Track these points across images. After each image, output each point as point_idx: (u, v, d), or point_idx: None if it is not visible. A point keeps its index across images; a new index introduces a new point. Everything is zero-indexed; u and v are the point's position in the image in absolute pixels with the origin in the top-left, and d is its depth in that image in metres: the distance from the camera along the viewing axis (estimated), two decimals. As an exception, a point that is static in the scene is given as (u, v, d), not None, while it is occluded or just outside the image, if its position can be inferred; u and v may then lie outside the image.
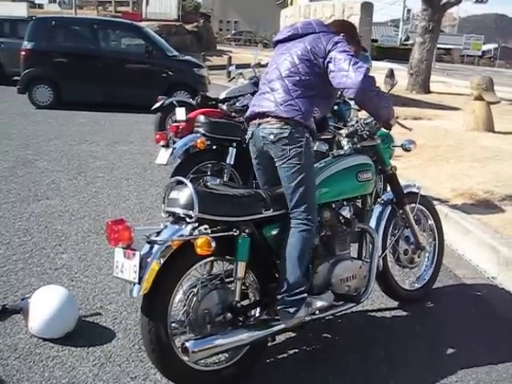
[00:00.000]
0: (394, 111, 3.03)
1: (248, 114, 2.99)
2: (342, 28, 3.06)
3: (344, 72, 2.72)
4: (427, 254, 3.75)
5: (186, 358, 2.49)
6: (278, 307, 2.74)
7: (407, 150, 3.64)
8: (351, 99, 2.87)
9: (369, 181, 3.20)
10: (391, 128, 3.25)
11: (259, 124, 2.88)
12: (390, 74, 3.50)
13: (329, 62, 2.78)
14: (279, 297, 2.73)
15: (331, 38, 2.84)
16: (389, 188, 3.60)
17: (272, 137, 2.78)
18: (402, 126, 3.48)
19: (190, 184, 2.50)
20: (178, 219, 2.53)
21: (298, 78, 2.81)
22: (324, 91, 2.89)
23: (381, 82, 3.72)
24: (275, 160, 2.83)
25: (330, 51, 2.79)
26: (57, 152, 7.39)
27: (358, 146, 3.30)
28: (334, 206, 3.05)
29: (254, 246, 2.64)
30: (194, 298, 2.56)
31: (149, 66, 11.51)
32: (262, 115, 2.86)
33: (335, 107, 5.10)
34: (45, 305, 2.99)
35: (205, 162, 4.85)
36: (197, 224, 2.47)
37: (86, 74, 11.08)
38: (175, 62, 11.84)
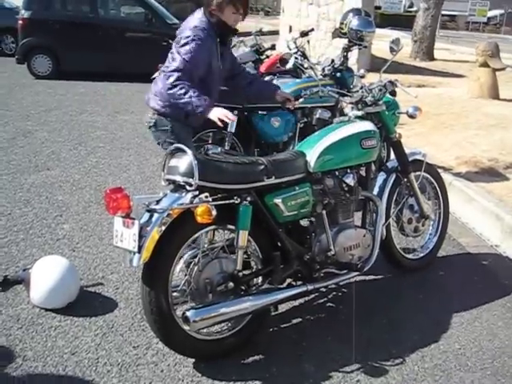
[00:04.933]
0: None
1: None
2: None
3: None
4: (432, 223, 3.72)
5: (187, 328, 2.48)
6: None
7: (412, 117, 3.55)
8: None
9: (373, 148, 3.13)
10: (395, 95, 3.18)
11: None
12: (396, 41, 3.43)
13: None
14: None
15: None
16: (393, 156, 3.54)
17: None
18: (406, 92, 3.40)
19: (189, 151, 2.44)
20: (178, 187, 2.49)
21: None
22: None
23: (386, 49, 3.64)
24: None
25: None
26: (57, 122, 7.31)
27: (363, 112, 3.23)
28: (337, 173, 3.00)
29: (255, 215, 2.60)
30: (195, 268, 2.54)
31: (149, 35, 11.29)
32: None
33: (338, 74, 4.97)
34: (46, 275, 2.98)
35: (206, 131, 4.77)
36: (197, 192, 2.43)
37: (86, 43, 10.89)
38: (175, 30, 11.62)
